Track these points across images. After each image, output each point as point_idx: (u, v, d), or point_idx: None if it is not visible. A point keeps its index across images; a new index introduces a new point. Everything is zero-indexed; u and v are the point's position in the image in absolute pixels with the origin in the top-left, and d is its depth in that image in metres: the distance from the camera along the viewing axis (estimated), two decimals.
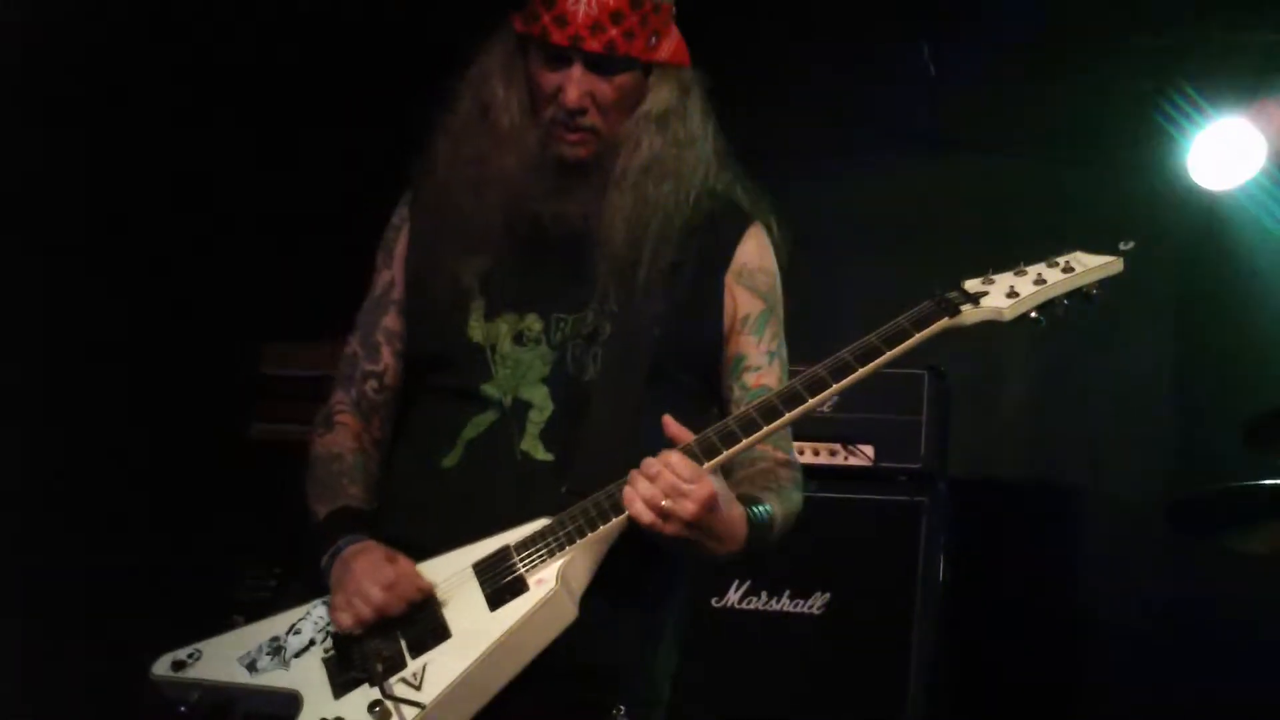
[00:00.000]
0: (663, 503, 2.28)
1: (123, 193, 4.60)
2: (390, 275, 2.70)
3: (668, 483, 2.28)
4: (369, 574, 2.38)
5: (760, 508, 2.43)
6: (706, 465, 2.33)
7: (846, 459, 4.51)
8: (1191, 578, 4.69)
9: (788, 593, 4.41)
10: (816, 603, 4.38)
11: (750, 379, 2.59)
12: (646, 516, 2.29)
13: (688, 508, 2.28)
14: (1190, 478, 4.67)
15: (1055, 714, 4.83)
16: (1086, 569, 4.97)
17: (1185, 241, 4.84)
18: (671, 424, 2.34)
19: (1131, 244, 2.49)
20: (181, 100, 4.68)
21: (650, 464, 2.30)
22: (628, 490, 2.32)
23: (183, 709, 2.47)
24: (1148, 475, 4.85)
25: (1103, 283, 2.47)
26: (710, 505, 2.30)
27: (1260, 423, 3.74)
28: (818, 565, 4.39)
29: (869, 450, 4.50)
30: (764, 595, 4.42)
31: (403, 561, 2.41)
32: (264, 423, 4.87)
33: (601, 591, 2.39)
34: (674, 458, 2.30)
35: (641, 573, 2.45)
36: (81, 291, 4.48)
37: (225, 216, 4.89)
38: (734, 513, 2.36)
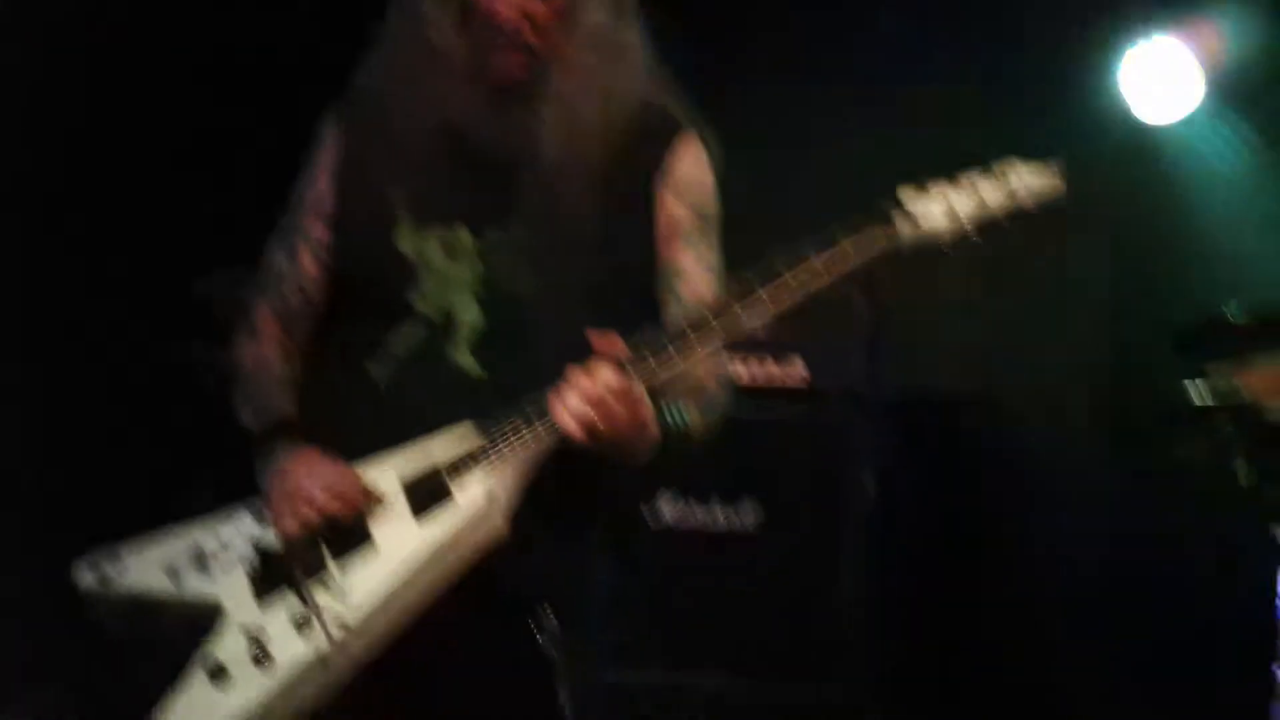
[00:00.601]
0: (595, 420, 2.27)
1: (62, 118, 4.51)
2: (319, 186, 2.65)
3: (597, 397, 2.26)
4: (311, 477, 2.37)
5: (678, 415, 2.42)
6: (638, 378, 2.31)
7: (780, 378, 4.52)
8: (1124, 488, 4.75)
9: (720, 510, 4.43)
10: (749, 519, 4.41)
11: (684, 291, 2.57)
12: (575, 431, 2.27)
13: (617, 423, 2.27)
14: (1120, 390, 4.72)
15: (989, 625, 4.89)
16: (1019, 483, 5.01)
17: (1122, 160, 4.85)
18: (599, 337, 2.33)
19: (1059, 164, 2.48)
20: (115, 17, 4.58)
21: (580, 378, 2.29)
22: (555, 403, 2.30)
23: (105, 614, 2.45)
24: (1080, 390, 4.89)
25: (1041, 203, 2.46)
26: (639, 420, 2.30)
27: (1190, 332, 3.79)
28: (750, 483, 4.42)
29: (801, 368, 4.51)
30: (697, 512, 4.44)
31: (337, 474, 2.39)
32: (204, 344, 4.81)
33: (529, 503, 2.37)
34: (604, 371, 2.28)
35: (570, 485, 2.43)
36: (19, 215, 4.41)
37: (163, 140, 4.81)
38: (652, 424, 2.35)
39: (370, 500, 2.37)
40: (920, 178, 2.45)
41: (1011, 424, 5.06)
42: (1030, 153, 2.51)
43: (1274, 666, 3.64)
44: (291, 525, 2.36)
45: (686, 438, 2.46)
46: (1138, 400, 3.98)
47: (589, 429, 2.27)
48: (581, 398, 2.26)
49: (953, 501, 4.93)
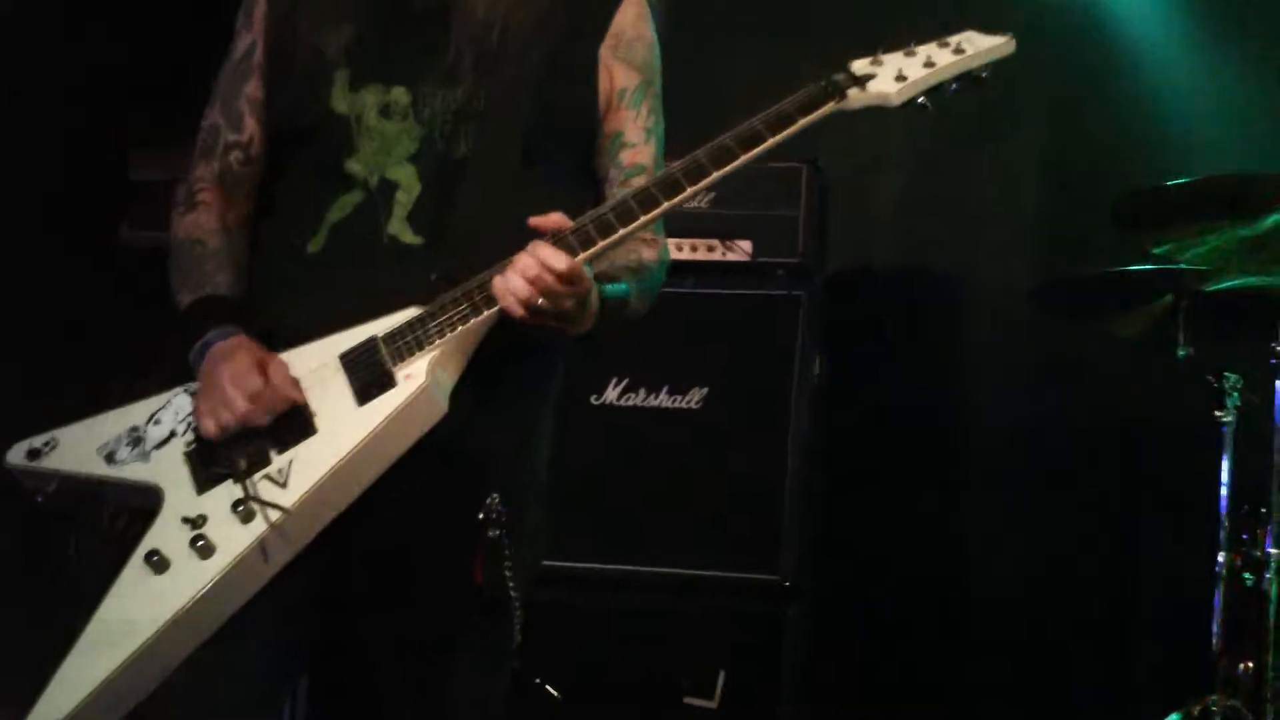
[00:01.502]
0: (539, 301, 2.23)
1: None
2: (250, 38, 2.55)
3: (543, 279, 2.22)
4: (236, 381, 2.29)
5: (615, 286, 2.39)
6: (582, 256, 2.27)
7: (725, 254, 4.49)
8: (1062, 361, 4.78)
9: (666, 388, 4.42)
10: (694, 398, 4.40)
11: (625, 156, 2.52)
12: (519, 312, 2.24)
13: (562, 302, 2.24)
14: (1062, 264, 4.73)
15: (931, 501, 4.93)
16: (962, 358, 5.03)
17: (1060, 30, 4.81)
18: (537, 218, 2.27)
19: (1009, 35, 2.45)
20: None
21: (525, 261, 2.24)
22: (499, 283, 2.25)
23: (39, 499, 2.40)
24: (1023, 263, 4.90)
25: (992, 66, 2.42)
26: (582, 295, 2.27)
27: (1128, 201, 3.78)
28: (696, 361, 4.40)
29: (747, 245, 4.48)
30: (642, 391, 4.43)
31: (273, 368, 2.32)
32: (134, 229, 4.73)
33: (473, 384, 2.34)
34: (548, 252, 2.24)
35: (513, 365, 2.40)
36: None
37: (83, 16, 4.68)
38: (593, 297, 2.32)
39: (309, 390, 2.32)
40: (873, 49, 2.41)
41: (953, 296, 5.07)
42: (970, 14, 2.49)
43: (1217, 555, 3.68)
44: (212, 428, 2.30)
45: (623, 311, 2.42)
46: (1077, 273, 3.98)
47: (533, 309, 2.23)
48: (526, 278, 2.22)
49: (895, 375, 4.94)
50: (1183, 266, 3.80)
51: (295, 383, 2.32)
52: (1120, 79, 4.82)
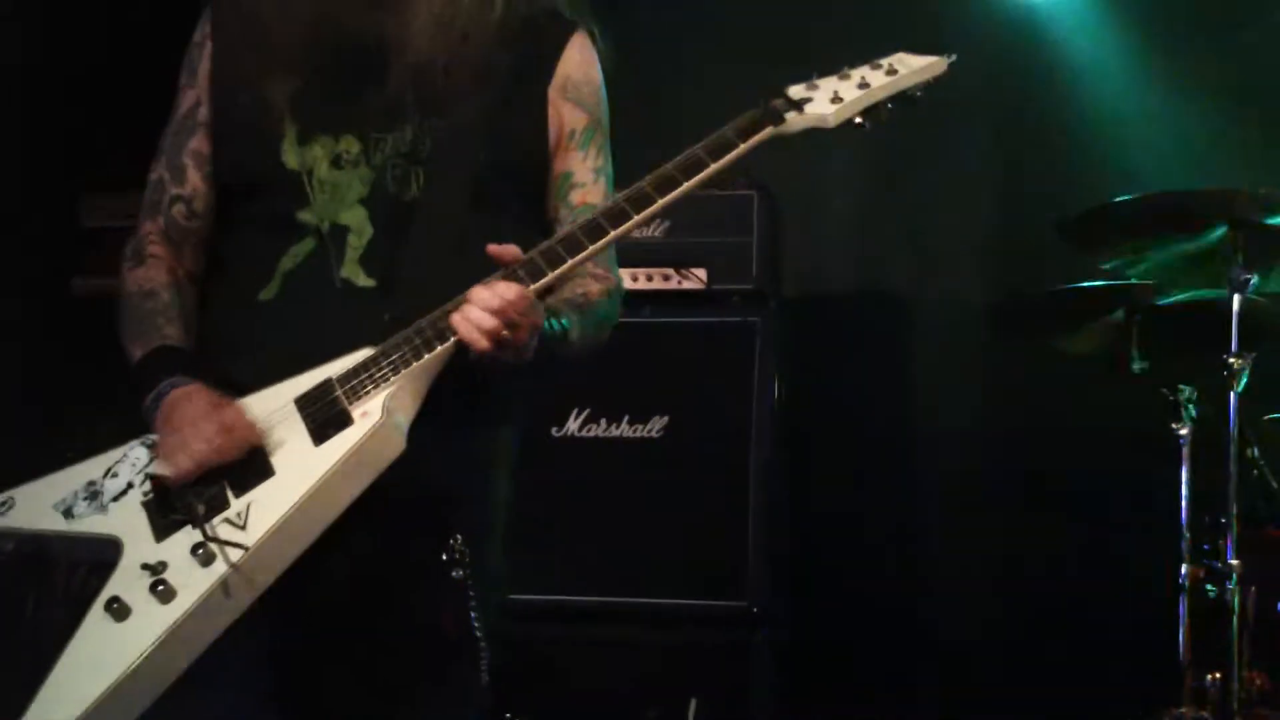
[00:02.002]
0: (502, 333, 2.23)
1: None
2: (195, 94, 2.55)
3: (505, 311, 2.23)
4: (194, 426, 2.28)
5: (557, 322, 2.39)
6: (532, 288, 2.28)
7: (680, 283, 4.51)
8: (1018, 380, 4.81)
9: (626, 418, 4.43)
10: (655, 426, 4.41)
11: (575, 197, 2.53)
12: (483, 344, 2.24)
13: (521, 337, 2.25)
14: (1013, 282, 4.77)
15: (894, 522, 4.95)
16: (918, 379, 5.06)
17: (1006, 45, 4.86)
18: (495, 247, 2.28)
19: (953, 57, 2.48)
20: None
21: (483, 294, 2.24)
22: (459, 320, 2.25)
23: None
24: (974, 282, 4.94)
25: (926, 85, 2.45)
26: (536, 326, 2.28)
27: (1077, 221, 3.82)
28: (655, 390, 4.42)
29: (702, 273, 4.51)
30: (603, 422, 4.44)
31: (229, 411, 2.31)
32: (86, 277, 4.71)
33: (430, 421, 2.33)
34: (506, 288, 2.24)
35: (470, 400, 2.40)
36: None
37: (36, 65, 4.66)
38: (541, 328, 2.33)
39: (266, 433, 2.30)
40: (808, 75, 2.45)
41: (908, 315, 5.10)
42: (916, 36, 2.52)
43: (1181, 565, 3.70)
44: (172, 474, 2.28)
45: (562, 346, 2.41)
46: (1028, 292, 4.01)
47: (495, 342, 2.24)
48: (489, 309, 2.23)
49: (853, 397, 4.96)
50: (1132, 281, 3.83)
51: (253, 425, 2.31)
52: (1065, 99, 4.89)
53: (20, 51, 4.60)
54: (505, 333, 2.23)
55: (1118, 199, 3.68)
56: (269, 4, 2.46)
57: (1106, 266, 3.90)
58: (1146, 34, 4.82)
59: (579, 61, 2.57)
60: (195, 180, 2.53)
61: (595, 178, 2.56)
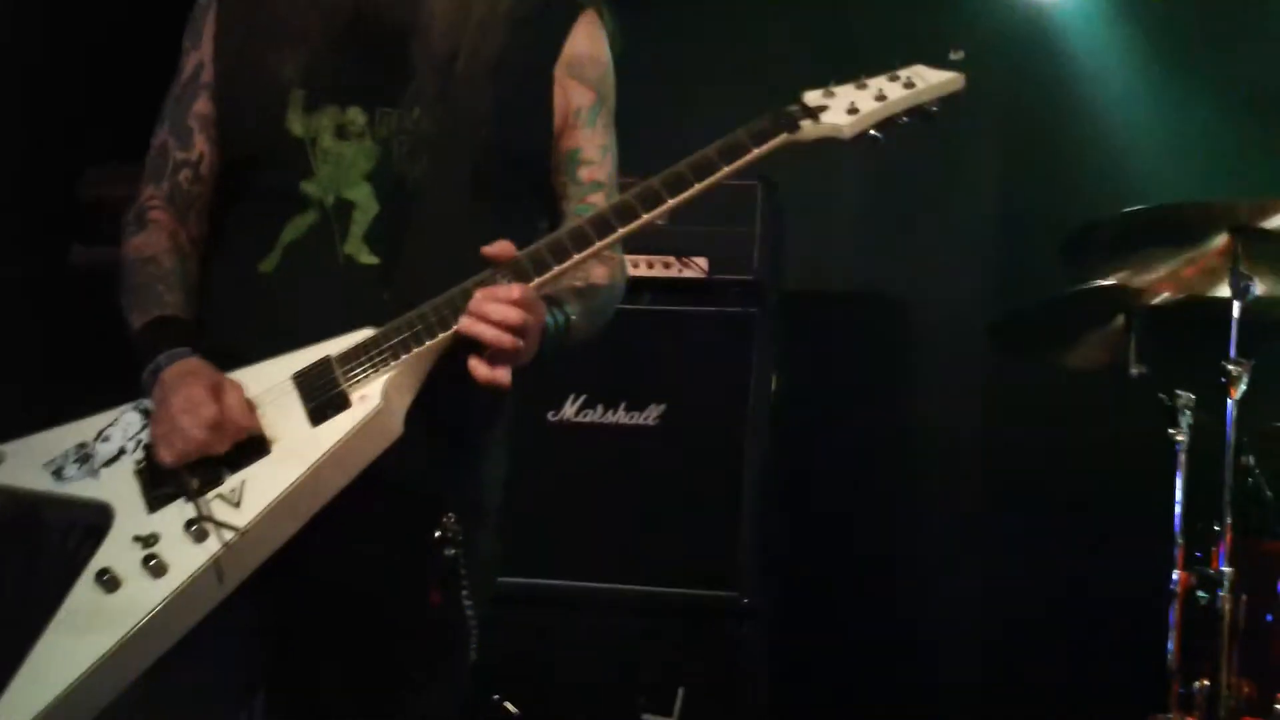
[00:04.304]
0: (504, 333, 2.22)
1: None
2: (199, 57, 2.52)
3: (508, 309, 2.22)
4: (192, 409, 2.25)
5: (559, 312, 2.39)
6: (536, 281, 2.28)
7: (680, 271, 4.50)
8: (1012, 385, 4.80)
9: (623, 405, 4.42)
10: (651, 414, 4.40)
11: (583, 173, 2.53)
12: (507, 341, 2.23)
13: (527, 333, 2.25)
14: (1012, 290, 4.76)
15: (885, 519, 4.95)
16: (915, 378, 5.06)
17: (1013, 51, 4.85)
18: (490, 248, 2.27)
19: (961, 53, 2.46)
20: None
21: (497, 305, 2.23)
22: (470, 323, 2.24)
23: None
24: (975, 283, 4.93)
25: (944, 100, 2.44)
26: (541, 323, 2.29)
27: (1077, 239, 3.81)
28: (652, 377, 4.40)
29: (702, 262, 4.49)
30: (600, 408, 4.43)
31: (229, 393, 2.28)
32: (85, 247, 4.70)
33: (426, 405, 2.33)
34: (516, 290, 2.24)
35: (467, 387, 2.38)
36: None
37: (36, 33, 4.64)
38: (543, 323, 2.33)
39: (263, 412, 2.29)
40: (825, 81, 2.43)
41: (908, 314, 5.09)
42: (924, 40, 2.51)
43: (1173, 571, 3.70)
44: (169, 458, 2.26)
45: (566, 336, 2.41)
46: (1027, 304, 4.01)
47: (503, 341, 2.23)
48: (494, 311, 2.23)
49: (850, 393, 4.96)
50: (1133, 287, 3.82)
51: (251, 407, 2.29)
52: (1073, 104, 4.87)
53: (20, 20, 4.58)
54: (513, 331, 2.23)
55: (1126, 210, 3.66)
56: None
57: (1110, 282, 3.89)
58: (1152, 40, 4.81)
59: (586, 39, 2.56)
60: (200, 144, 2.51)
61: (602, 154, 2.56)
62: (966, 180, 4.99)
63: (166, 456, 2.26)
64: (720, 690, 4.24)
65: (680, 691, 4.19)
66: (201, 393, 2.27)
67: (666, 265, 4.49)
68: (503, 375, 2.25)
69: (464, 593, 2.40)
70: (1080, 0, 4.86)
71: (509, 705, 4.15)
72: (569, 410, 4.43)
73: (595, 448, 4.38)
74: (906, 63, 2.45)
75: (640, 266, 4.45)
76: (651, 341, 4.40)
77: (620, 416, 4.41)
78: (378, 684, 2.42)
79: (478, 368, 2.25)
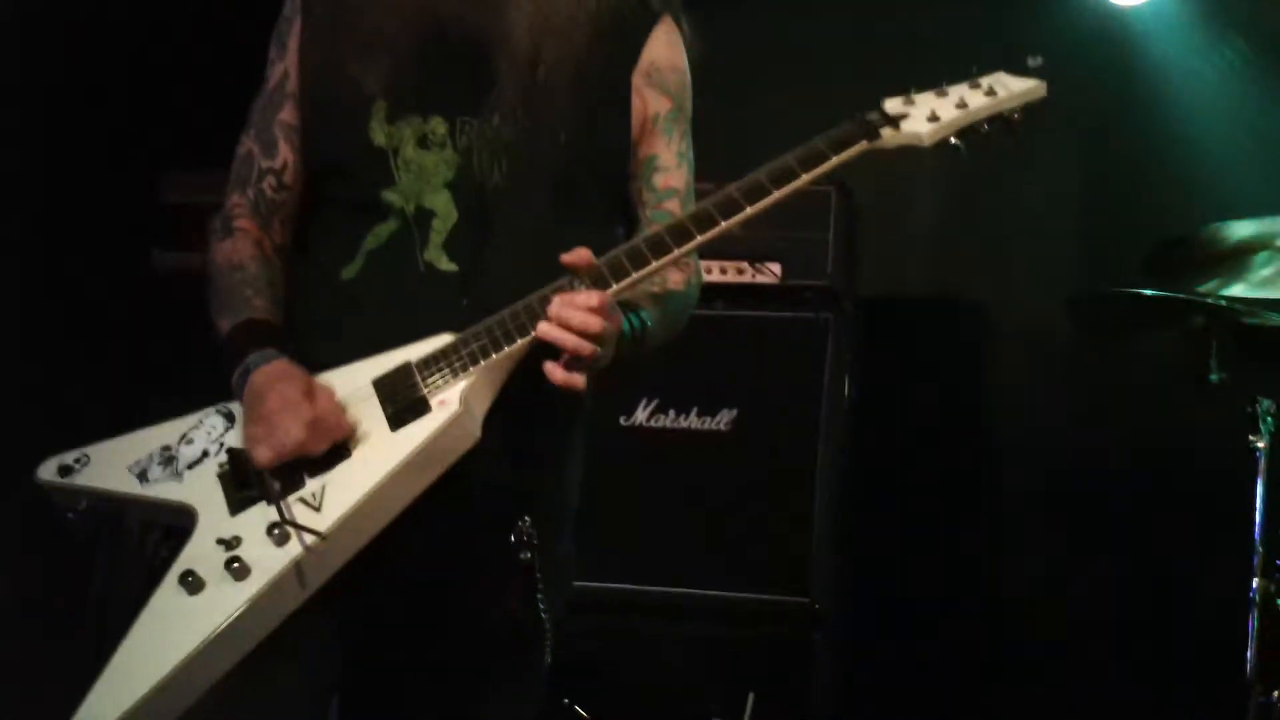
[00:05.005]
0: (585, 348, 2.23)
1: (18, 25, 4.40)
2: (284, 67, 2.55)
3: (589, 324, 2.23)
4: (289, 409, 2.26)
5: (635, 317, 2.39)
6: (614, 288, 2.29)
7: (754, 276, 4.49)
8: (1095, 388, 4.76)
9: (695, 410, 4.41)
10: (724, 419, 4.40)
11: (659, 180, 2.54)
12: (586, 349, 2.24)
13: (605, 340, 2.26)
14: (1092, 295, 4.71)
15: (961, 526, 4.92)
16: (992, 386, 5.02)
17: (1095, 61, 4.80)
18: (568, 256, 2.27)
19: (1039, 60, 2.45)
20: None
21: (576, 311, 2.23)
22: (549, 328, 2.24)
23: (70, 515, 2.38)
24: (1051, 294, 4.89)
25: (1026, 108, 2.42)
26: (619, 330, 2.30)
27: (1159, 252, 3.78)
28: (725, 383, 4.40)
29: (776, 268, 4.49)
30: (672, 413, 4.43)
31: (321, 395, 2.30)
32: (166, 251, 4.75)
33: (504, 411, 2.34)
34: (595, 297, 2.24)
35: (544, 392, 2.38)
36: None
37: (120, 37, 4.70)
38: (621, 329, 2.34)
39: (345, 416, 2.31)
40: (906, 88, 2.42)
41: (984, 321, 5.06)
42: (1003, 43, 2.48)
43: (1251, 584, 3.66)
44: (267, 456, 2.27)
45: (642, 341, 2.41)
46: (1106, 305, 3.97)
47: (582, 348, 2.24)
48: (573, 318, 2.23)
49: (925, 399, 4.93)
50: (1222, 303, 3.78)
51: (342, 419, 2.30)
52: (1156, 112, 4.80)
53: (106, 26, 4.64)
54: (592, 338, 2.23)
55: (1211, 225, 3.63)
56: None
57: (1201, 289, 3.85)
58: (1246, 44, 4.74)
59: (664, 47, 2.57)
60: (285, 152, 2.54)
61: (679, 162, 2.57)
62: (1044, 185, 4.94)
63: (264, 455, 2.27)
64: (791, 696, 4.23)
65: (750, 697, 4.18)
66: (297, 393, 2.29)
67: (740, 271, 4.49)
68: (579, 380, 2.26)
69: (539, 596, 2.41)
70: (1159, 3, 4.78)
71: (580, 710, 4.16)
72: (641, 415, 4.43)
73: (667, 453, 4.38)
74: (987, 70, 2.43)
75: (714, 272, 4.45)
76: (724, 347, 4.39)
77: (692, 422, 4.41)
78: (454, 687, 2.44)
79: (554, 371, 2.26)
